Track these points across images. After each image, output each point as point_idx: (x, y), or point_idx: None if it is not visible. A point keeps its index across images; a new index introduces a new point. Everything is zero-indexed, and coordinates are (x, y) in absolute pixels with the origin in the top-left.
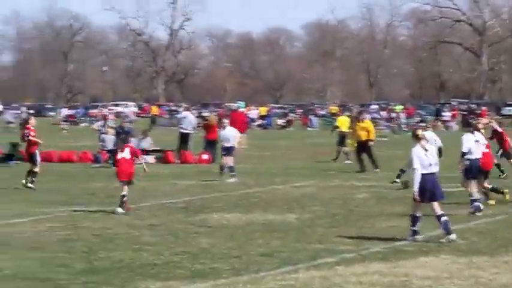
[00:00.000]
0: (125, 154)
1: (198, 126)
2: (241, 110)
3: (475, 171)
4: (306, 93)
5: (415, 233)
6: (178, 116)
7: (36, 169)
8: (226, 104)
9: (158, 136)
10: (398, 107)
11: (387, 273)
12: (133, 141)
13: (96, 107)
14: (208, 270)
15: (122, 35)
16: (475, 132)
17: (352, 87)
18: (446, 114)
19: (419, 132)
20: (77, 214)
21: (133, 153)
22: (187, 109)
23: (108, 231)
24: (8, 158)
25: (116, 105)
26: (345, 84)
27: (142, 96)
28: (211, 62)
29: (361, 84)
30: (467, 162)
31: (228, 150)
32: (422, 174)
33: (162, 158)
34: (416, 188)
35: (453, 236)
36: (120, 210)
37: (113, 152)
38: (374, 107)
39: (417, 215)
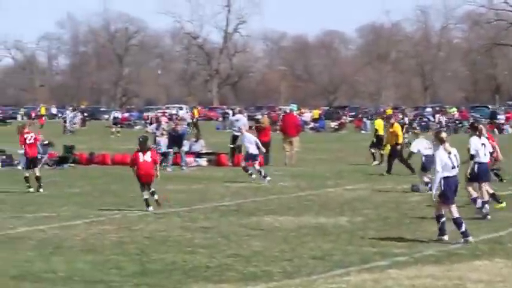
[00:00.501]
0: (146, 157)
1: (250, 128)
2: (294, 112)
3: (482, 174)
4: (359, 96)
5: (464, 235)
6: (231, 118)
7: (38, 173)
8: (279, 107)
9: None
10: (452, 110)
11: (441, 276)
12: (186, 144)
13: (150, 110)
14: (260, 273)
15: (177, 38)
16: (481, 136)
17: (406, 90)
18: (501, 117)
19: (443, 134)
20: (130, 216)
21: (154, 159)
22: (240, 112)
23: (160, 234)
24: (63, 160)
25: (168, 108)
26: (399, 87)
27: (195, 99)
28: (265, 64)
29: (415, 87)
30: (476, 166)
31: (251, 156)
32: (446, 177)
33: (215, 160)
34: (435, 190)
35: (446, 238)
36: (151, 208)
37: (165, 155)
38: (428, 109)
39: (456, 216)
